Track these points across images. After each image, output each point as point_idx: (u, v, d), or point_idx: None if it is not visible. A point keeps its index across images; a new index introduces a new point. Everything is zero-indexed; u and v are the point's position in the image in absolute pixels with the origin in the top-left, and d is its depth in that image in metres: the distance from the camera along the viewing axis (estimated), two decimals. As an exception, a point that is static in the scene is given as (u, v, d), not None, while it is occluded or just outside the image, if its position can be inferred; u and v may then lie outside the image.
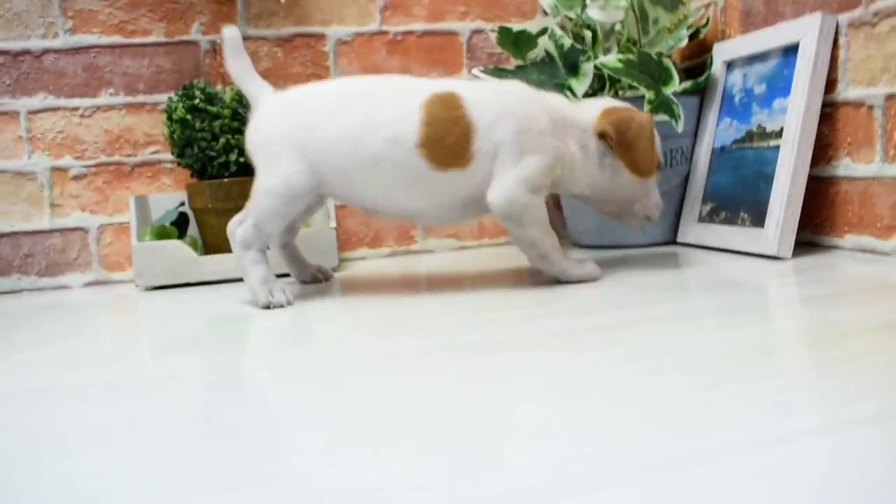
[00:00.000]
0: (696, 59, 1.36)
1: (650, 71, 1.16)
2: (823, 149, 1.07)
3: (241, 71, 1.02)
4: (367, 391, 0.57)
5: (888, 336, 0.61)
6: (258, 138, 0.98)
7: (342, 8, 1.37)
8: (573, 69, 1.22)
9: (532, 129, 0.92)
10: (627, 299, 0.85)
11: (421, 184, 0.94)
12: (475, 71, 1.24)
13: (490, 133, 0.92)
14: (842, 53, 1.04)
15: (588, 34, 1.25)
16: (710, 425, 0.44)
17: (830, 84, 1.05)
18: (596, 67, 1.19)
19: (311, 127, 0.94)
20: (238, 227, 0.97)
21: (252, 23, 1.35)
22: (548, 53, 1.25)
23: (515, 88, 0.98)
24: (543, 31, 1.25)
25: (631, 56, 1.16)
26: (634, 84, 1.14)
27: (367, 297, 1.00)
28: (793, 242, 1.03)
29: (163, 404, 0.57)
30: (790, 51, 1.08)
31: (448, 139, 0.92)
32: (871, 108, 1.00)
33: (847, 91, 1.03)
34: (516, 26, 1.26)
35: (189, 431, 0.50)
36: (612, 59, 1.15)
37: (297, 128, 0.95)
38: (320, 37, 1.37)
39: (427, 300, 0.94)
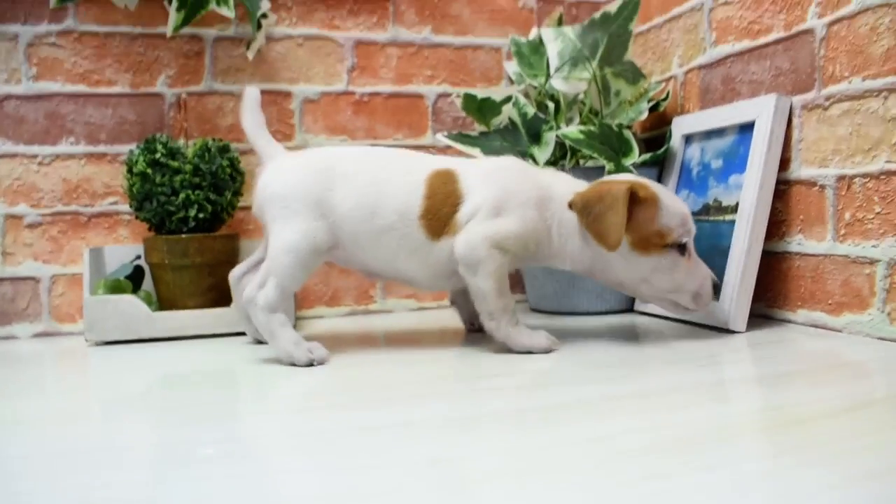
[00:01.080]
0: (657, 131, 1.39)
1: (610, 142, 1.19)
2: (778, 224, 1.10)
3: (256, 128, 1.06)
4: (309, 473, 0.55)
5: (845, 421, 0.62)
6: (274, 192, 0.98)
7: (309, 67, 1.38)
8: (536, 138, 1.24)
9: (512, 199, 0.96)
10: (580, 374, 0.85)
11: (419, 252, 0.98)
12: (439, 136, 1.25)
13: (473, 200, 0.97)
14: (795, 133, 1.07)
15: (551, 104, 1.27)
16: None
17: (785, 162, 1.08)
18: (558, 137, 1.21)
19: (332, 187, 0.98)
20: (259, 292, 0.95)
21: (219, 78, 1.35)
22: (511, 121, 1.27)
23: (506, 164, 1.02)
24: (507, 100, 1.27)
25: (592, 127, 1.18)
26: (594, 155, 1.16)
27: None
28: (747, 316, 1.04)
29: (108, 479, 0.55)
30: (746, 128, 1.11)
31: (442, 211, 0.97)
32: (822, 187, 1.03)
33: (800, 170, 1.06)
34: (481, 93, 1.28)
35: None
36: (573, 130, 1.17)
37: (318, 185, 0.97)
38: (287, 94, 1.38)
39: (380, 369, 0.92)
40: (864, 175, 0.97)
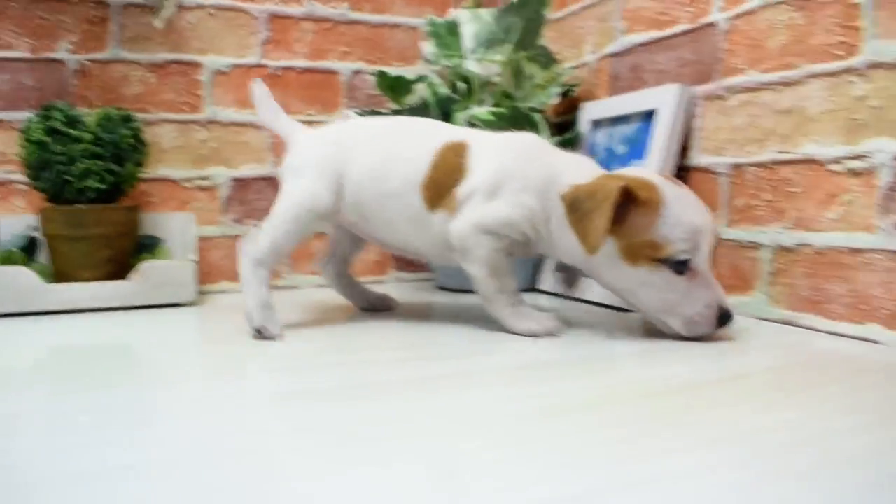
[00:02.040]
0: (569, 116, 1.42)
1: (520, 125, 1.20)
2: (676, 210, 1.14)
3: (273, 117, 1.08)
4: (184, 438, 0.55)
5: (708, 392, 0.65)
6: (289, 164, 1.01)
7: (221, 38, 1.36)
8: (447, 117, 1.25)
9: (509, 182, 0.91)
10: (466, 347, 0.86)
11: (418, 221, 0.97)
12: (350, 113, 1.25)
13: (473, 177, 0.93)
14: (696, 123, 1.10)
15: (463, 85, 1.28)
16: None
17: (685, 150, 1.11)
18: (468, 118, 1.22)
19: (346, 158, 0.99)
20: (249, 246, 0.97)
21: (126, 46, 1.31)
22: (424, 100, 1.28)
23: (516, 142, 0.96)
24: (421, 79, 1.28)
25: (503, 110, 1.19)
26: (504, 136, 1.18)
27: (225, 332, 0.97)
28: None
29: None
30: (650, 116, 1.14)
31: (446, 184, 0.94)
32: (717, 175, 1.07)
33: (699, 158, 1.10)
34: (395, 71, 1.28)
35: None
36: (483, 111, 1.18)
37: (333, 156, 0.99)
38: (196, 65, 1.35)
39: (279, 343, 0.92)
40: (757, 164, 1.01)
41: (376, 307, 1.16)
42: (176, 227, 1.32)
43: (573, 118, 1.39)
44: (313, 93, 1.42)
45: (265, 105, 1.08)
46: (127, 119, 1.20)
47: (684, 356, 0.80)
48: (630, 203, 0.82)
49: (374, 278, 1.46)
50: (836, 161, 0.90)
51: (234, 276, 1.38)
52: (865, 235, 0.87)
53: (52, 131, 1.15)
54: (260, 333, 0.91)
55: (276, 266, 0.99)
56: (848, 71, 0.89)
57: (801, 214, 0.95)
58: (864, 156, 0.87)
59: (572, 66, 1.41)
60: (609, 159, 1.22)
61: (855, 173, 0.88)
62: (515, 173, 0.91)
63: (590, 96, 1.35)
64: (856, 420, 0.57)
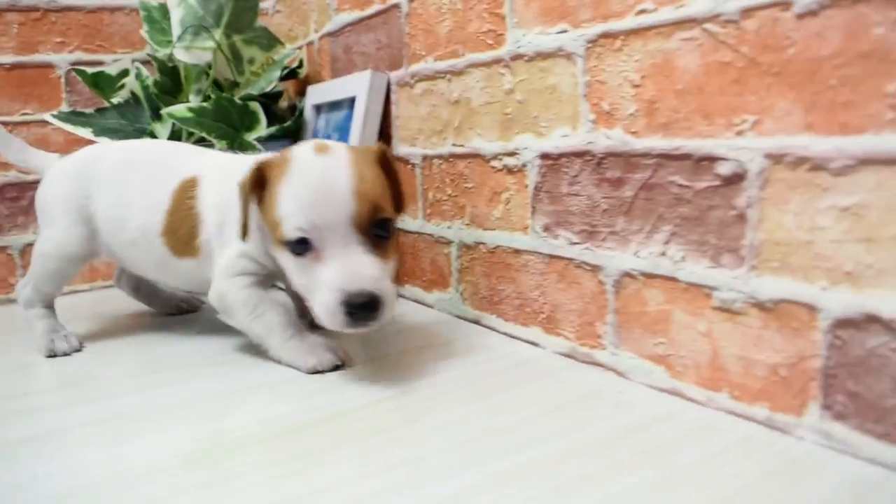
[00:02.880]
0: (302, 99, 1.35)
1: (228, 118, 1.13)
2: (387, 201, 1.09)
3: (18, 154, 1.00)
4: None
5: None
6: (38, 200, 0.96)
7: None
8: (157, 113, 1.16)
9: (229, 215, 0.83)
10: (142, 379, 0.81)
11: (168, 266, 0.91)
12: (47, 115, 1.15)
13: (206, 220, 0.86)
14: (394, 110, 1.05)
15: (165, 77, 1.19)
16: None
17: (388, 139, 1.06)
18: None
19: (90, 193, 0.93)
20: (22, 290, 0.97)
21: None
22: (134, 95, 1.19)
23: (237, 169, 0.82)
24: (125, 73, 1.19)
25: (205, 104, 1.12)
26: (204, 135, 1.10)
27: None
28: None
29: None
30: (353, 103, 1.08)
31: (181, 230, 0.87)
32: (413, 166, 1.02)
33: (398, 147, 1.05)
34: (94, 69, 1.18)
35: None
36: (179, 109, 1.10)
37: (78, 192, 0.93)
38: None
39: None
40: (439, 157, 0.96)
41: (182, 309, 1.12)
42: None
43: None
44: (27, 90, 1.31)
45: (7, 144, 1.00)
46: None
47: (313, 389, 0.76)
48: (263, 181, 0.76)
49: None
50: (496, 157, 0.87)
51: (-37, 293, 1.29)
52: (522, 236, 0.84)
53: None
54: (54, 353, 0.92)
55: (50, 300, 0.98)
56: (497, 62, 0.84)
57: (475, 211, 0.91)
58: (516, 153, 0.83)
59: (302, 44, 1.33)
60: (327, 148, 1.16)
61: (510, 170, 0.85)
62: (232, 203, 0.82)
63: (317, 78, 1.28)
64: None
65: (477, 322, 0.93)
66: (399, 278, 1.09)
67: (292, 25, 1.36)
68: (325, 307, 0.71)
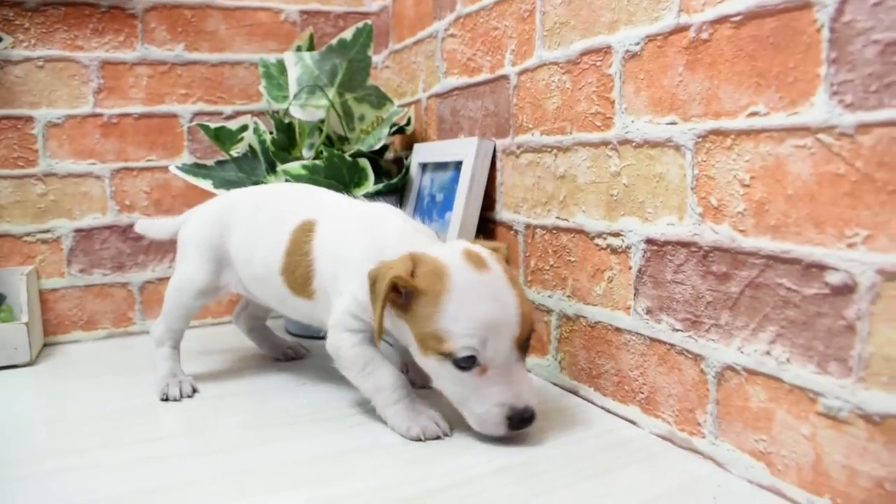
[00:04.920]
0: (409, 152, 1.40)
1: (338, 174, 1.18)
2: (488, 263, 1.12)
3: (163, 233, 1.14)
4: None
5: None
6: (181, 241, 1.07)
7: (52, 90, 1.33)
8: (273, 167, 1.23)
9: (345, 267, 0.87)
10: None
11: (287, 302, 0.98)
12: (172, 167, 1.23)
13: (323, 273, 0.91)
14: (499, 176, 1.08)
15: (281, 134, 1.26)
16: None
17: (492, 202, 1.10)
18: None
19: (225, 233, 1.02)
20: (155, 328, 1.06)
21: (-48, 103, 1.29)
22: (252, 148, 1.26)
23: (351, 219, 0.90)
24: (245, 128, 1.25)
25: (318, 161, 1.17)
26: (317, 192, 1.16)
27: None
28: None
29: None
30: (460, 165, 1.12)
31: (297, 271, 0.94)
32: (516, 232, 1.05)
33: (502, 212, 1.08)
34: (217, 123, 1.26)
35: None
36: (294, 166, 1.16)
37: (215, 234, 1.03)
38: (28, 119, 1.33)
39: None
40: (542, 227, 0.99)
41: (289, 356, 1.19)
42: (16, 282, 1.32)
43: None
44: (153, 138, 1.40)
45: (155, 229, 1.14)
46: (-52, 185, 1.20)
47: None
48: (417, 290, 0.77)
49: (226, 318, 1.46)
50: (600, 235, 0.89)
51: (86, 326, 1.38)
52: (623, 315, 0.86)
53: None
54: (167, 398, 0.99)
55: (178, 338, 1.06)
56: (605, 144, 0.87)
57: (577, 284, 0.93)
58: (621, 234, 0.85)
59: (410, 101, 1.38)
60: (431, 206, 1.20)
61: (614, 250, 0.87)
62: (347, 259, 0.87)
63: (424, 135, 1.33)
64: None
65: (574, 392, 0.95)
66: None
67: (401, 82, 1.41)
68: (488, 418, 0.77)
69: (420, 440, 0.82)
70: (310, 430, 0.87)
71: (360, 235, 0.88)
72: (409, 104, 1.38)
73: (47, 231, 1.35)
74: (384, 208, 0.92)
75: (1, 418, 0.96)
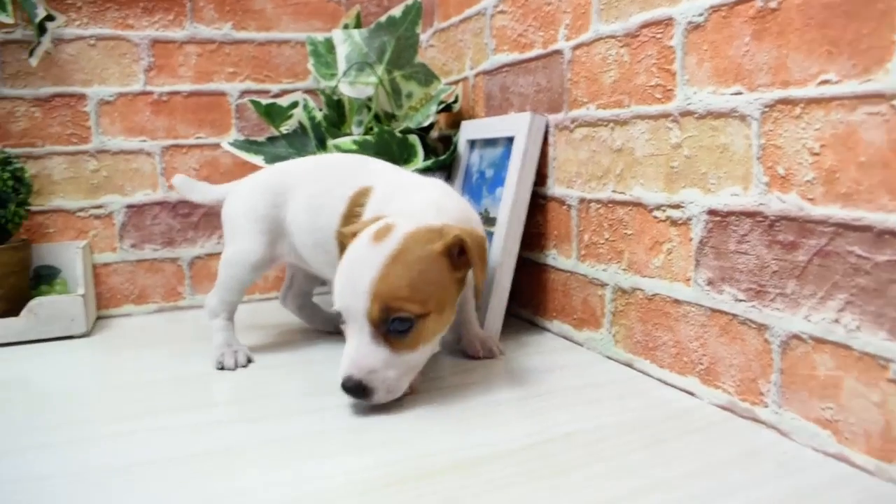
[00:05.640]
0: (455, 131, 1.40)
1: (389, 150, 1.19)
2: (538, 237, 1.13)
3: (203, 196, 1.15)
4: None
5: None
6: (224, 214, 1.09)
7: (104, 68, 1.35)
8: (323, 143, 1.24)
9: None
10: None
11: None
12: (224, 143, 1.25)
13: None
14: (551, 151, 1.09)
15: (330, 110, 1.27)
16: None
17: (543, 178, 1.10)
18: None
19: (280, 203, 1.04)
20: (209, 300, 1.08)
21: (8, 82, 1.31)
22: (301, 125, 1.27)
23: (404, 188, 0.94)
24: (295, 105, 1.27)
25: (368, 137, 1.18)
26: (368, 167, 1.17)
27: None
28: (500, 324, 1.07)
29: None
30: (510, 141, 1.13)
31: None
32: (569, 207, 1.05)
33: (554, 188, 1.08)
34: (268, 100, 1.27)
35: None
36: (346, 141, 1.17)
37: (268, 204, 1.04)
38: (81, 97, 1.35)
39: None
40: (597, 201, 0.99)
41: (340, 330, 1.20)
42: (71, 256, 1.35)
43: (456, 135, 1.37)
44: (201, 116, 1.41)
45: (192, 190, 1.14)
46: (6, 162, 1.22)
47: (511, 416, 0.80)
48: None
49: (272, 294, 1.48)
50: (659, 208, 0.89)
51: (137, 300, 1.41)
52: (683, 287, 0.86)
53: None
54: (223, 367, 1.01)
55: (232, 309, 1.07)
56: (665, 116, 0.87)
57: (633, 258, 0.94)
58: (681, 206, 0.85)
59: (456, 79, 1.39)
60: (480, 183, 1.20)
61: (673, 222, 0.87)
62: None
63: (471, 113, 1.33)
64: None
65: (629, 365, 0.96)
66: (546, 313, 1.13)
67: (446, 60, 1.42)
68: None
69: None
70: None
71: (430, 211, 0.90)
72: (455, 82, 1.39)
73: (100, 206, 1.37)
74: (437, 183, 0.96)
75: (60, 385, 0.98)
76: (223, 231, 1.08)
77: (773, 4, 0.72)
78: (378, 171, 1.00)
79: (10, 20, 1.17)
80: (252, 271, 1.05)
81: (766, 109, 0.74)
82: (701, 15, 0.81)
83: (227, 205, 1.09)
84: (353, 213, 0.96)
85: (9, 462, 0.73)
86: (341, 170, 1.02)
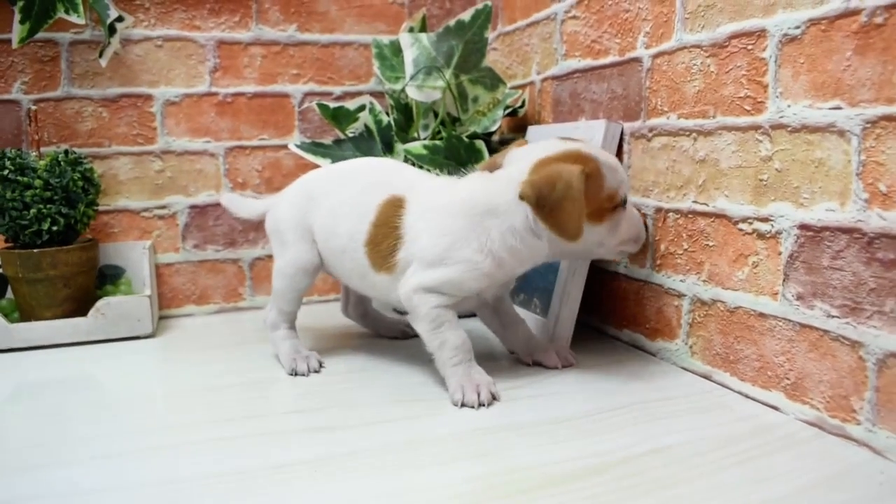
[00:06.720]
0: (521, 134, 1.40)
1: (457, 155, 1.19)
2: (610, 246, 1.12)
3: (250, 212, 1.16)
4: None
5: None
6: (268, 228, 1.11)
7: (170, 69, 1.36)
8: (389, 146, 1.24)
9: (453, 253, 0.90)
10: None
11: (366, 278, 1.00)
12: (290, 145, 1.25)
13: (412, 245, 0.94)
14: (625, 159, 1.08)
15: (398, 114, 1.27)
16: None
17: (616, 186, 1.09)
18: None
19: (310, 209, 1.04)
20: (268, 314, 1.10)
21: (76, 83, 1.33)
22: (367, 128, 1.27)
23: (452, 199, 0.93)
24: (362, 108, 1.27)
25: (437, 142, 1.18)
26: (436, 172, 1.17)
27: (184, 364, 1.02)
28: (570, 334, 1.07)
29: None
30: (583, 149, 1.12)
31: (383, 244, 0.96)
32: (644, 216, 1.05)
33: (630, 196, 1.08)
34: (335, 104, 1.27)
35: None
36: (416, 146, 1.17)
37: (301, 212, 1.05)
38: (147, 97, 1.36)
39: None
40: (676, 211, 0.99)
41: (408, 334, 1.20)
42: (136, 256, 1.36)
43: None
44: (265, 117, 1.42)
45: (239, 207, 1.16)
46: (76, 162, 1.23)
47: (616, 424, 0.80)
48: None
49: (332, 296, 1.48)
50: (745, 220, 0.88)
51: (198, 300, 1.42)
52: (769, 301, 0.86)
53: (3, 179, 1.18)
54: (295, 373, 1.02)
55: (292, 319, 1.10)
56: (755, 128, 0.86)
57: (715, 269, 0.93)
58: (770, 219, 0.85)
59: (521, 84, 1.38)
60: (549, 189, 1.20)
61: (760, 235, 0.86)
62: (456, 243, 0.90)
63: (537, 118, 1.33)
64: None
65: (706, 377, 0.95)
66: (617, 322, 1.13)
67: (510, 64, 1.41)
68: (642, 233, 0.98)
69: (464, 406, 0.88)
70: (445, 406, 0.89)
71: (466, 219, 0.91)
72: (519, 86, 1.38)
73: (164, 207, 1.39)
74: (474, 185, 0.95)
75: (127, 390, 1.00)
76: (271, 244, 1.09)
77: (878, 20, 0.71)
78: (408, 175, 1.01)
79: (81, 21, 1.18)
80: (305, 278, 1.06)
81: (868, 125, 0.73)
82: (798, 28, 0.80)
83: (268, 219, 1.10)
84: (387, 222, 0.96)
85: (70, 471, 0.74)
86: (366, 175, 1.02)
